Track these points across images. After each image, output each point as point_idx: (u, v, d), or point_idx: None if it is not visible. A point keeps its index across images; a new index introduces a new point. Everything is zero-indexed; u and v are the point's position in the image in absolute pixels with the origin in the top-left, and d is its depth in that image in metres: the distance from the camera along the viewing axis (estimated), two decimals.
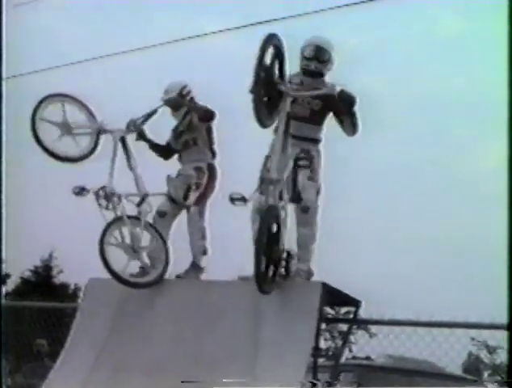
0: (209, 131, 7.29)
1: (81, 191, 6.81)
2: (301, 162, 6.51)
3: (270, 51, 5.99)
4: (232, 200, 6.01)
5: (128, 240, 6.84)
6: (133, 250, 6.85)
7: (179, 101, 7.27)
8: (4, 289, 27.24)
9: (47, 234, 25.50)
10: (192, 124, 7.26)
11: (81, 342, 6.70)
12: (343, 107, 6.46)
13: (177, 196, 7.12)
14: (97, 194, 6.80)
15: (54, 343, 8.28)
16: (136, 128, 7.14)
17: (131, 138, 7.12)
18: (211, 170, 7.24)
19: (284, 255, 6.30)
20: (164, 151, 7.45)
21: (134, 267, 6.95)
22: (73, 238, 23.24)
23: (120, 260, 6.78)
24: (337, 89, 6.39)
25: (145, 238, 6.98)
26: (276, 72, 6.11)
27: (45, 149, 6.76)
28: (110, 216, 6.82)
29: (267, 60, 5.97)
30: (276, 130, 6.29)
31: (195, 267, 7.12)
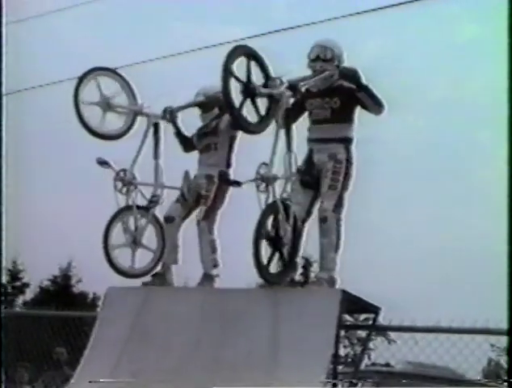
0: (232, 139, 7.29)
1: (103, 163, 6.85)
2: (324, 170, 6.50)
3: (244, 61, 6.09)
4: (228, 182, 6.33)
5: (132, 230, 6.92)
6: (135, 242, 6.94)
7: (215, 103, 7.29)
8: (22, 299, 27.44)
9: (65, 243, 25.64)
10: (218, 129, 7.28)
11: (101, 350, 6.71)
12: (352, 84, 6.43)
13: (188, 196, 7.16)
14: (116, 175, 6.86)
15: (73, 352, 8.30)
16: (172, 116, 7.22)
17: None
18: (222, 179, 7.19)
19: (302, 261, 6.34)
20: (186, 143, 7.47)
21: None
22: (91, 247, 23.34)
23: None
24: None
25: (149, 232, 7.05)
26: (255, 79, 6.15)
27: (91, 132, 6.77)
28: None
29: (241, 71, 6.05)
30: (277, 132, 6.33)
31: (208, 278, 7.15)
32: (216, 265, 7.16)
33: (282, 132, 6.40)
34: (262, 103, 6.28)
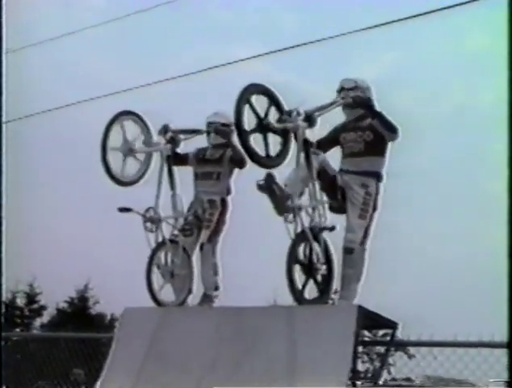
0: (232, 170, 7.39)
1: (125, 210, 6.98)
2: (354, 194, 6.56)
3: (260, 99, 6.29)
4: (260, 187, 6.27)
5: (169, 264, 7.05)
6: (171, 274, 7.05)
7: (225, 133, 7.36)
8: (39, 321, 27.46)
9: (81, 265, 25.66)
10: (223, 159, 7.35)
11: (118, 370, 6.70)
12: (365, 110, 6.54)
13: (203, 217, 7.26)
14: (144, 216, 6.98)
15: (91, 373, 8.30)
16: (177, 142, 7.29)
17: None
18: (224, 205, 7.33)
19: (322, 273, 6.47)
20: (176, 158, 7.42)
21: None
22: (107, 269, 23.37)
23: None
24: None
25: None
26: (271, 115, 6.34)
27: (113, 178, 6.98)
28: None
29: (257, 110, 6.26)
30: (297, 162, 6.45)
31: (207, 298, 7.25)
32: (217, 288, 7.30)
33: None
34: (275, 139, 6.44)
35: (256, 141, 6.29)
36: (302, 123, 6.41)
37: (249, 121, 6.22)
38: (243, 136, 6.17)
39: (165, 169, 7.18)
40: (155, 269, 7.02)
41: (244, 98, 6.16)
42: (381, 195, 6.64)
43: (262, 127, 6.30)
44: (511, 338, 5.41)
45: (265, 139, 6.34)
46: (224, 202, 7.33)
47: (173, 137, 7.26)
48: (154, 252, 7.01)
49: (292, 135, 6.43)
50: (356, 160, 6.61)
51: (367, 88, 6.68)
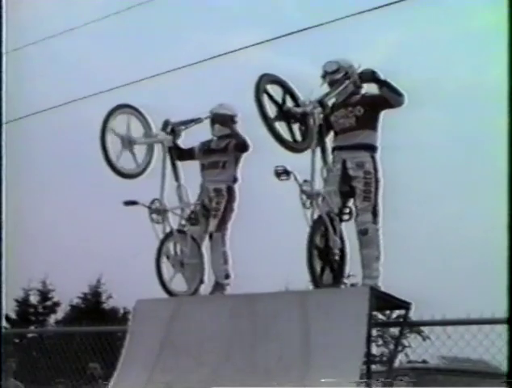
0: (238, 157, 7.42)
1: (131, 203, 7.03)
2: (355, 180, 6.59)
3: (274, 88, 6.36)
4: (278, 174, 6.30)
5: (178, 254, 7.10)
6: (181, 264, 7.11)
7: (227, 122, 7.40)
8: (54, 318, 27.58)
9: (93, 260, 25.72)
10: (228, 148, 7.38)
11: (133, 362, 6.73)
12: (373, 82, 6.63)
13: (210, 206, 7.29)
14: (150, 208, 7.04)
15: (107, 366, 8.33)
16: (177, 133, 7.32)
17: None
18: (230, 193, 7.34)
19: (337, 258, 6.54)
20: (181, 153, 7.49)
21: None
22: (119, 263, 23.43)
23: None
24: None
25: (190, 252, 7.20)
26: (287, 102, 6.43)
27: (108, 162, 6.94)
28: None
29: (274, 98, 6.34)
30: (313, 149, 6.52)
31: (219, 287, 7.27)
32: (227, 276, 7.30)
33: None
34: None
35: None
36: (318, 108, 6.52)
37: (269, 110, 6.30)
38: (269, 123, 6.23)
39: (169, 161, 7.23)
40: (165, 260, 7.05)
41: (261, 88, 6.23)
42: (380, 166, 6.65)
43: (283, 113, 6.37)
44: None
45: (288, 125, 6.42)
46: (230, 190, 7.35)
47: (173, 128, 7.30)
48: (162, 243, 7.05)
49: (311, 119, 6.50)
50: (348, 135, 6.67)
51: (350, 66, 6.77)
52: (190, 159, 7.54)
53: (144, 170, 7.17)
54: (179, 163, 7.32)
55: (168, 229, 7.12)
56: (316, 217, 6.49)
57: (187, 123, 7.44)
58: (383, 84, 6.61)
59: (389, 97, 6.57)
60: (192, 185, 7.42)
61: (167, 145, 7.24)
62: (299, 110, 6.45)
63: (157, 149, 7.29)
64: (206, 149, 7.51)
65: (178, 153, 7.44)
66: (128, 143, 7.03)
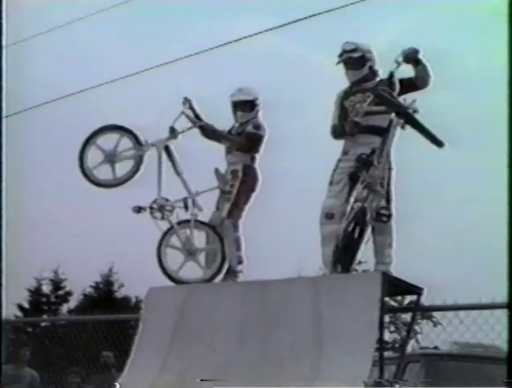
0: (260, 140, 7.37)
1: (139, 209, 7.16)
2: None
3: None
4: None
5: (182, 244, 7.16)
6: (189, 252, 7.17)
7: (248, 107, 7.40)
8: (66, 307, 27.69)
9: (104, 249, 25.79)
10: (244, 133, 7.34)
11: (146, 350, 6.75)
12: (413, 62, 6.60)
13: (226, 189, 7.27)
14: (151, 208, 7.15)
15: (120, 355, 8.37)
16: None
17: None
18: (246, 172, 7.28)
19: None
20: (215, 135, 7.47)
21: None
22: (130, 252, 23.47)
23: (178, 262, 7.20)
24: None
25: (202, 238, 7.25)
26: None
27: (82, 171, 7.15)
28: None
29: None
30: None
31: (232, 274, 7.25)
32: (240, 262, 7.27)
33: None
34: None
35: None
36: None
37: None
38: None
39: (166, 159, 7.20)
40: (169, 250, 7.15)
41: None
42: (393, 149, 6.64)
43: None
44: None
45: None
46: (246, 169, 7.26)
47: (173, 127, 7.25)
48: (161, 239, 7.15)
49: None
50: (362, 119, 6.60)
51: (368, 50, 6.77)
52: (218, 141, 7.54)
53: (124, 181, 7.19)
54: (177, 159, 7.25)
55: (175, 220, 7.18)
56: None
57: (193, 122, 7.36)
58: (420, 63, 6.57)
59: (423, 74, 6.56)
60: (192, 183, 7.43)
61: (163, 146, 7.19)
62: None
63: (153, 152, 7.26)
64: (228, 133, 7.51)
65: (211, 133, 7.42)
66: (110, 158, 7.14)
